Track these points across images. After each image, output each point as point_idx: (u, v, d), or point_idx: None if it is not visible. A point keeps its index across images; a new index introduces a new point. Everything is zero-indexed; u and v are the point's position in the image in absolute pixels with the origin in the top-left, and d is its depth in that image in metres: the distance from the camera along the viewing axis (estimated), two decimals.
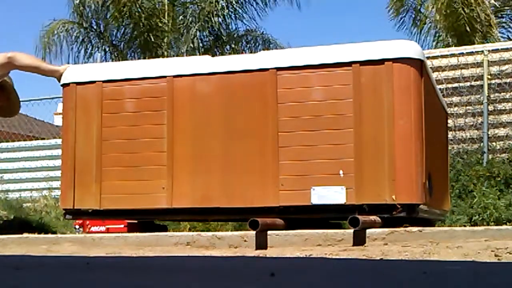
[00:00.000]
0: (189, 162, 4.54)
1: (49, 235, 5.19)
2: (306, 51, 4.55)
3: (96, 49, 14.52)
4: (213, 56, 5.36)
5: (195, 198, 4.51)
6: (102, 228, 6.75)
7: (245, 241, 4.03)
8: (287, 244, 3.92)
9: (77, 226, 7.10)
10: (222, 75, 4.56)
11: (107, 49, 14.69)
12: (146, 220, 4.95)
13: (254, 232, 3.93)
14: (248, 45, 14.36)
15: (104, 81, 4.74)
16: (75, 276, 2.50)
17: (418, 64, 4.31)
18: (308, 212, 4.32)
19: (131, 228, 5.05)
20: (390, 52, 4.29)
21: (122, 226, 6.08)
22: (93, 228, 6.84)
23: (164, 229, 5.26)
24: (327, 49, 4.46)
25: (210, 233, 4.22)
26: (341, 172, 4.26)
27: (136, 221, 5.01)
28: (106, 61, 14.27)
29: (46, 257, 3.75)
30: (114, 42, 14.66)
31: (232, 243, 4.06)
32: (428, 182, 4.40)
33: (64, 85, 4.86)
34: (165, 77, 4.65)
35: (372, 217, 4.05)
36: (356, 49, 4.38)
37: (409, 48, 4.34)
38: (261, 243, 3.94)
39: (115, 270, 2.74)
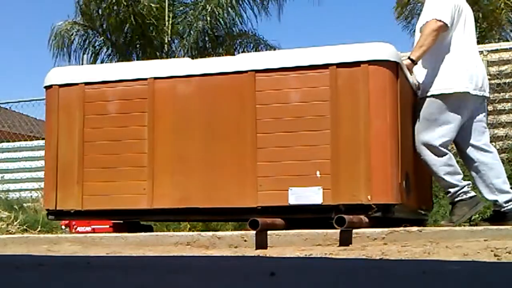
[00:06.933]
0: (169, 163, 4.60)
1: (49, 235, 5.22)
2: (284, 53, 4.60)
3: (98, 48, 14.66)
4: (209, 56, 5.40)
5: (175, 198, 4.56)
6: (88, 228, 6.83)
7: (245, 241, 4.06)
8: (287, 244, 3.94)
9: (63, 226, 7.18)
10: (202, 77, 4.61)
11: (108, 50, 14.82)
12: (129, 221, 5.02)
13: (254, 232, 3.97)
14: (241, 45, 14.70)
15: (86, 83, 4.79)
16: (75, 276, 2.53)
17: (394, 66, 4.34)
18: (286, 212, 4.35)
19: (116, 228, 5.12)
20: (366, 54, 4.33)
21: (107, 226, 6.15)
22: (79, 228, 6.92)
23: (150, 229, 5.32)
24: (305, 51, 4.50)
25: (210, 233, 4.25)
26: (318, 173, 4.30)
27: (121, 222, 5.08)
28: (108, 61, 14.41)
29: (46, 257, 3.78)
30: (114, 42, 14.77)
31: (232, 243, 4.09)
32: (406, 182, 4.42)
33: (46, 87, 4.93)
34: (146, 79, 4.70)
35: (360, 217, 4.07)
36: (333, 51, 4.41)
37: (385, 51, 4.36)
38: (261, 243, 3.97)
39: (116, 270, 2.76)
